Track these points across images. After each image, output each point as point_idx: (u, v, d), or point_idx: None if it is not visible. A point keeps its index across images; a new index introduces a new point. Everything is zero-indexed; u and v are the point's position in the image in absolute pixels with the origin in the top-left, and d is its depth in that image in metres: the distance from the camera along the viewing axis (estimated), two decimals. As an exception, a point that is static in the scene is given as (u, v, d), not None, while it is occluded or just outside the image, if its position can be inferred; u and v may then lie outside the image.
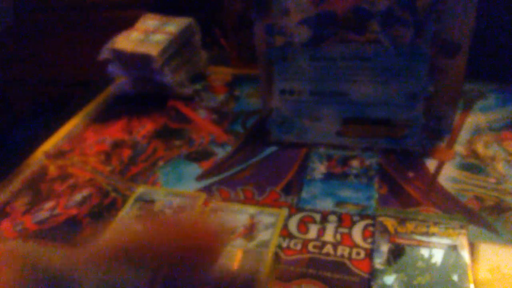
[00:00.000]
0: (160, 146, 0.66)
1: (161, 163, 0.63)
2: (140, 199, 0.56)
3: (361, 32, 0.54)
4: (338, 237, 0.49)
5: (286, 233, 0.49)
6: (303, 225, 0.51)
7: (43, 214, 0.56)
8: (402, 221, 0.49)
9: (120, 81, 0.77)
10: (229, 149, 0.64)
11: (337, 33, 0.55)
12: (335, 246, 0.48)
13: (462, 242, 0.46)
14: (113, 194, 0.58)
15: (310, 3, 0.54)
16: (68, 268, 0.17)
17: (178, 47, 0.75)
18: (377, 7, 0.52)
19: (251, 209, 0.52)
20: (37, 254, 0.17)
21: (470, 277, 0.43)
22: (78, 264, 0.17)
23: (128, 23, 0.78)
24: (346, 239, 0.48)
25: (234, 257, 0.19)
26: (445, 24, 0.54)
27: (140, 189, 0.58)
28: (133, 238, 0.18)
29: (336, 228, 0.50)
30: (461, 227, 0.47)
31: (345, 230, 0.49)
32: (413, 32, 0.53)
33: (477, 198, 0.52)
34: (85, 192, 0.59)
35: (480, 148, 0.59)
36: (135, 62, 0.73)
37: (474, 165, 0.57)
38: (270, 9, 0.56)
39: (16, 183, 0.62)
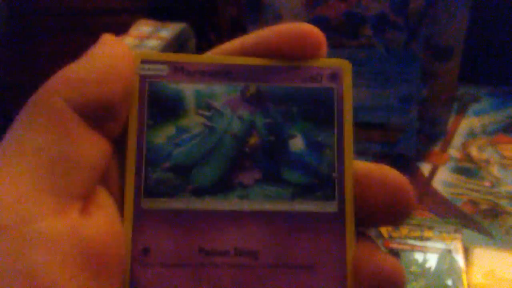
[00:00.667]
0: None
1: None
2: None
3: (354, 37, 0.54)
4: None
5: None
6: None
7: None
8: (396, 226, 0.49)
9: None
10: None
11: (330, 38, 0.55)
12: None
13: (457, 246, 0.46)
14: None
15: (302, 8, 0.54)
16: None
17: (173, 53, 0.75)
18: (370, 11, 0.52)
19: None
20: None
21: (465, 282, 0.43)
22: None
23: (122, 29, 0.78)
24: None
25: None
26: (438, 28, 0.54)
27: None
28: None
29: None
30: (456, 231, 0.47)
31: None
32: (406, 36, 0.53)
33: (472, 202, 0.52)
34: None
35: (474, 151, 0.59)
36: (130, 68, 0.73)
37: (468, 169, 0.57)
38: (263, 14, 0.56)
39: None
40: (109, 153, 0.17)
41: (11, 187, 0.15)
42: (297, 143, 0.19)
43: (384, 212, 0.18)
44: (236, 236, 0.18)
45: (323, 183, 0.19)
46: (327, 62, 0.19)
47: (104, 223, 0.17)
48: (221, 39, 0.78)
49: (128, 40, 0.75)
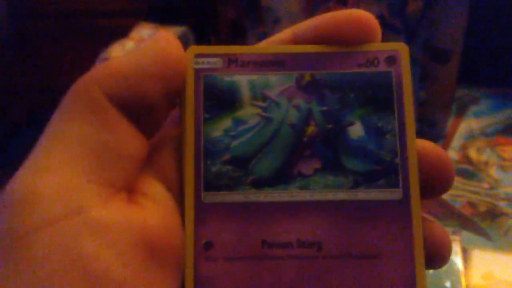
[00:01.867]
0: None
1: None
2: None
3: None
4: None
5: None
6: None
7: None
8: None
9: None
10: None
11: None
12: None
13: (455, 248, 0.46)
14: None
15: (301, 11, 0.55)
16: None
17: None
18: (368, 15, 0.53)
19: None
20: None
21: (463, 283, 0.43)
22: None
23: (123, 31, 0.78)
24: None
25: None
26: (436, 30, 0.54)
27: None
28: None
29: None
30: (454, 233, 0.48)
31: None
32: (404, 39, 0.54)
33: (470, 203, 0.52)
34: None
35: (473, 153, 0.59)
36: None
37: (467, 171, 0.57)
38: (262, 18, 0.56)
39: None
40: (146, 148, 0.18)
41: (56, 177, 0.15)
42: (356, 130, 0.19)
43: (427, 184, 0.18)
44: (298, 227, 0.18)
45: (386, 170, 0.18)
46: (383, 46, 0.19)
47: (158, 215, 0.17)
48: (220, 43, 0.78)
49: (129, 43, 0.75)
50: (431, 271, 0.44)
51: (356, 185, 0.18)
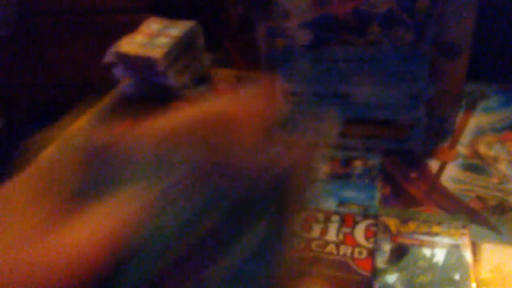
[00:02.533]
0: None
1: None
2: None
3: (362, 35, 0.54)
4: (341, 236, 0.49)
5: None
6: (306, 224, 0.51)
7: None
8: (404, 221, 0.49)
9: (125, 84, 0.78)
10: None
11: (338, 35, 0.55)
12: (337, 245, 0.48)
13: (464, 241, 0.46)
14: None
15: (310, 6, 0.55)
16: (124, 142, 0.18)
17: (182, 50, 0.76)
18: (377, 9, 0.53)
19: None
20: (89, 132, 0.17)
21: (472, 277, 0.43)
22: (133, 139, 0.18)
23: (132, 27, 0.79)
24: (348, 239, 0.49)
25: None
26: (445, 25, 0.54)
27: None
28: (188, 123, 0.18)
29: (339, 227, 0.50)
30: (463, 227, 0.48)
31: (347, 230, 0.50)
32: (414, 34, 0.53)
33: (480, 198, 0.52)
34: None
35: (482, 148, 0.59)
36: (139, 65, 0.74)
37: (476, 166, 0.57)
38: (271, 12, 0.57)
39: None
40: None
41: None
42: None
43: None
44: None
45: None
46: None
47: None
48: (229, 37, 0.78)
49: (138, 37, 0.76)
50: (440, 263, 0.44)
51: None
